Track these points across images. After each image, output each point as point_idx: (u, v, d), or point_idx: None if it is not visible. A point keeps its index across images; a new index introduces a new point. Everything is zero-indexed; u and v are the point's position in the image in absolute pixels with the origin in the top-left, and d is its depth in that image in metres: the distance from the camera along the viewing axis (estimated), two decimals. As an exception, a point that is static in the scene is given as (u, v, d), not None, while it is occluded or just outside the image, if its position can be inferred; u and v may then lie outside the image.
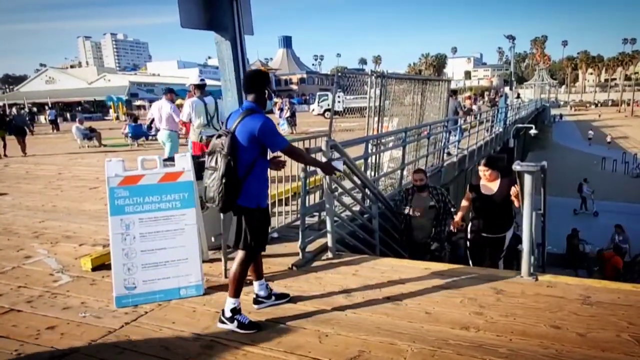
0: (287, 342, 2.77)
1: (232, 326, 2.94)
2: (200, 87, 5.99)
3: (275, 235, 4.70)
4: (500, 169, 5.06)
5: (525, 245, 3.67)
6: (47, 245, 4.83)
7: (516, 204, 4.61)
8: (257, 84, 2.99)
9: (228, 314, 2.96)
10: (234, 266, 3.00)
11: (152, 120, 8.37)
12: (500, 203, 4.88)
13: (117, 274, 3.39)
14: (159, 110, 7.93)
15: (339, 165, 3.65)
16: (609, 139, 43.22)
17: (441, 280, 3.65)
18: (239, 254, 3.02)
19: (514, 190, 4.61)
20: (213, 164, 2.88)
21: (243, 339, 2.83)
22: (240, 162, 2.86)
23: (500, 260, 5.18)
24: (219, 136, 2.92)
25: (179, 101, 13.21)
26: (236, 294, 2.99)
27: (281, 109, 20.16)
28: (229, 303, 2.97)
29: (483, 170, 4.98)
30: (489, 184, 5.00)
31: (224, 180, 2.80)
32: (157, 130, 8.34)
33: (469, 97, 17.20)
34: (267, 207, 3.11)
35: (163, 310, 3.28)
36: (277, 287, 3.54)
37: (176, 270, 3.49)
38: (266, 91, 3.00)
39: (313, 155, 3.88)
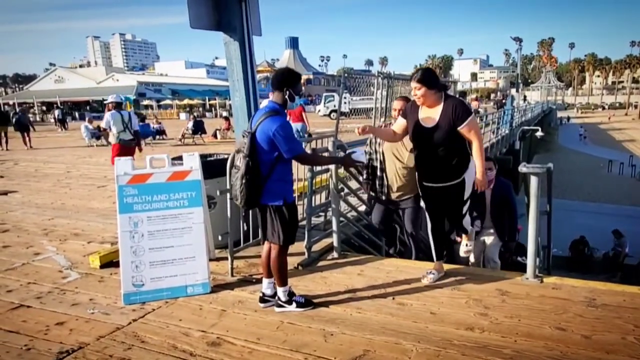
0: (293, 341, 2.79)
1: (291, 307, 3.16)
2: (118, 104, 7.44)
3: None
4: (441, 89, 3.42)
5: (530, 247, 3.67)
6: (56, 243, 4.89)
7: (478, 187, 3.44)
8: (282, 83, 3.01)
9: (284, 298, 3.16)
10: (272, 260, 3.15)
11: None
12: (446, 138, 3.31)
13: (125, 271, 3.42)
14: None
15: (361, 157, 3.26)
16: (585, 136, 48.97)
17: (446, 281, 3.65)
18: (274, 249, 3.14)
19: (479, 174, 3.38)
20: (238, 163, 3.00)
21: (249, 337, 2.85)
22: (262, 162, 2.94)
23: (464, 217, 3.76)
24: (243, 136, 3.00)
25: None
26: (284, 283, 3.17)
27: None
28: (280, 291, 3.17)
29: (415, 89, 3.35)
30: (429, 112, 3.38)
31: (243, 180, 2.92)
32: None
33: (475, 99, 17.15)
34: (293, 201, 3.17)
35: (170, 308, 3.32)
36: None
37: (183, 269, 3.52)
38: (288, 91, 2.99)
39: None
